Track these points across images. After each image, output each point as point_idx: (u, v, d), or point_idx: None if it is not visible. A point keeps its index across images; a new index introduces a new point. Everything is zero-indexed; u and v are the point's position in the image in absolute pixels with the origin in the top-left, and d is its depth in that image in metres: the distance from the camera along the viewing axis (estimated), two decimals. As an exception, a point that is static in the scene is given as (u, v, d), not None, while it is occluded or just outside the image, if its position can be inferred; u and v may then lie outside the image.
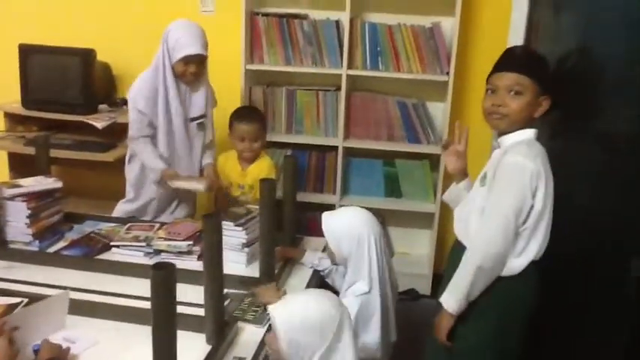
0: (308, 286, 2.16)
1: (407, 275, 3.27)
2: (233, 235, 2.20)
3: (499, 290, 1.81)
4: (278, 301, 1.57)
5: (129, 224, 2.48)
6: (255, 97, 3.45)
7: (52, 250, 2.30)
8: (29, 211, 2.23)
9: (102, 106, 3.38)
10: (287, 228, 2.42)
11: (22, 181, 2.31)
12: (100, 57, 3.37)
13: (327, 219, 2.01)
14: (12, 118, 3.47)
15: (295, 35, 3.34)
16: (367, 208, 2.08)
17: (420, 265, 3.53)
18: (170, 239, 2.29)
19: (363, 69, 3.33)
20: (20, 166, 3.32)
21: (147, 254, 2.26)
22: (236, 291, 2.01)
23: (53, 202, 2.35)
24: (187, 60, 2.58)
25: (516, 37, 3.02)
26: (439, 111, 3.40)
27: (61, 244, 2.34)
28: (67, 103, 3.31)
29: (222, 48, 3.37)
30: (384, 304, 1.96)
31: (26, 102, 3.38)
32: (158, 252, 2.27)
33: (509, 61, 1.87)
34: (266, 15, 3.36)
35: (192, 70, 2.61)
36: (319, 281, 2.23)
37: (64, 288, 1.88)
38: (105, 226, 2.50)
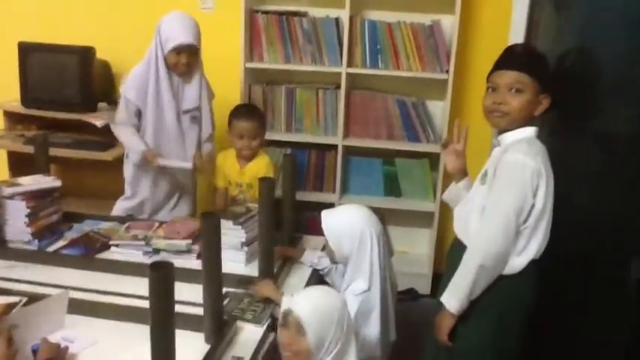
0: (307, 285, 2.15)
1: (406, 274, 3.26)
2: (232, 234, 2.20)
3: (500, 289, 1.81)
4: (293, 298, 1.62)
5: (128, 223, 2.47)
6: (254, 95, 3.45)
7: (51, 249, 2.29)
8: (28, 210, 2.22)
9: (101, 105, 3.37)
10: (286, 227, 2.42)
11: (21, 180, 2.31)
12: (100, 55, 3.37)
13: (327, 217, 2.00)
14: (11, 117, 3.47)
15: (295, 33, 3.34)
16: (368, 207, 2.08)
17: (420, 264, 3.53)
18: (169, 238, 2.29)
19: (362, 67, 3.32)
20: (19, 164, 3.32)
21: (146, 253, 2.26)
22: (235, 290, 2.01)
23: (52, 201, 2.35)
24: (179, 50, 2.60)
25: (517, 36, 3.02)
26: (439, 109, 3.39)
27: (60, 243, 2.34)
28: (66, 101, 3.31)
29: (221, 46, 3.38)
30: (383, 301, 1.95)
31: (25, 100, 3.38)
32: (157, 251, 2.27)
33: (510, 59, 1.87)
34: (265, 12, 3.35)
35: (184, 60, 2.62)
36: (318, 280, 2.23)
37: (63, 287, 1.88)
38: (104, 225, 2.49)
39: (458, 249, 1.89)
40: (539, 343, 2.17)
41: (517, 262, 1.80)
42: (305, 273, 2.26)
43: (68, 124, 3.36)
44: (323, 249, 2.26)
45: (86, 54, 3.29)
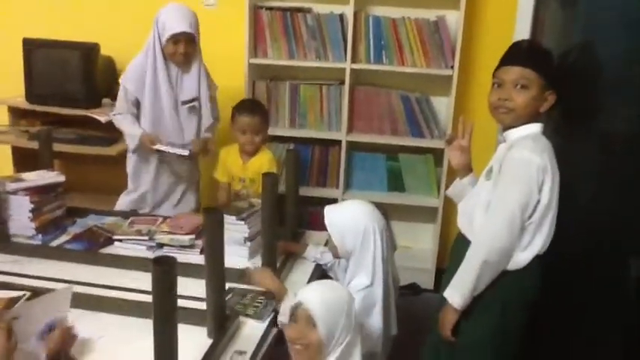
0: (310, 280, 2.15)
1: (409, 269, 3.27)
2: (235, 230, 2.20)
3: (504, 284, 1.81)
4: (301, 292, 1.65)
5: (131, 218, 2.48)
6: (258, 91, 3.45)
7: (54, 244, 2.30)
8: (32, 205, 2.23)
9: (105, 100, 3.38)
10: (289, 222, 2.42)
11: (25, 176, 2.31)
12: (104, 51, 3.37)
13: (330, 213, 2.00)
14: (15, 113, 3.48)
15: (299, 29, 3.33)
16: (372, 202, 2.07)
17: (423, 259, 3.53)
18: (172, 233, 2.29)
19: (366, 63, 3.32)
20: (24, 160, 3.32)
21: (149, 248, 2.27)
22: (238, 285, 2.01)
23: (56, 196, 2.35)
24: (175, 39, 2.62)
25: (522, 32, 3.00)
26: (443, 105, 3.39)
27: (64, 238, 2.34)
28: (70, 97, 3.32)
29: (225, 42, 3.38)
30: (385, 296, 1.95)
31: (30, 96, 3.38)
32: (161, 246, 2.27)
33: (516, 55, 1.86)
34: (269, 9, 3.35)
35: (181, 50, 2.64)
36: (321, 275, 2.23)
37: (67, 282, 1.89)
38: (107, 220, 2.50)
39: (461, 244, 1.89)
40: (538, 341, 2.17)
41: (521, 258, 1.80)
42: (308, 268, 2.26)
43: (72, 119, 3.37)
44: (326, 244, 2.26)
45: (90, 50, 3.29)
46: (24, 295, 1.77)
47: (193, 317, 1.74)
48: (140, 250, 2.26)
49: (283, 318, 1.77)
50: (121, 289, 1.95)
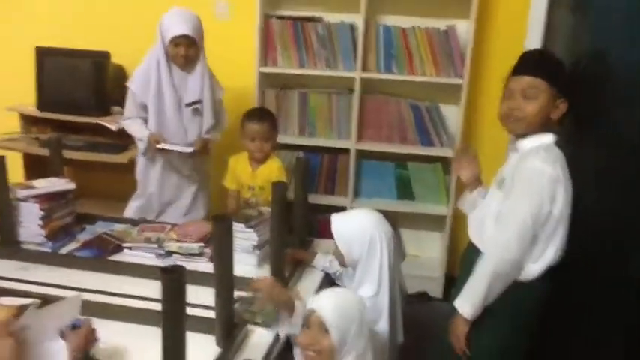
0: (319, 288, 2.15)
1: (418, 277, 3.26)
2: (244, 237, 2.20)
3: (515, 295, 1.80)
4: (314, 298, 1.68)
5: (140, 225, 2.49)
6: (268, 99, 3.46)
7: (64, 250, 2.31)
8: (42, 213, 2.24)
9: (115, 108, 3.40)
10: (297, 230, 2.42)
11: (36, 183, 2.33)
12: (115, 59, 3.40)
13: (337, 221, 2.00)
14: (27, 120, 3.50)
15: (309, 38, 3.34)
16: (379, 211, 2.07)
17: (432, 267, 3.51)
18: (181, 241, 2.29)
19: (376, 72, 3.32)
20: (34, 166, 3.35)
21: (158, 255, 2.27)
22: (246, 294, 2.01)
23: (66, 203, 2.37)
24: (176, 42, 2.66)
25: (533, 40, 3.00)
26: (453, 114, 3.38)
27: (74, 244, 2.35)
28: (80, 104, 3.34)
29: (236, 51, 3.40)
30: (392, 305, 1.94)
31: (41, 104, 3.41)
32: (169, 253, 2.28)
33: (525, 64, 1.86)
34: (280, 18, 3.36)
35: (182, 52, 2.67)
36: (330, 284, 2.22)
37: (76, 289, 1.90)
38: (117, 227, 2.51)
39: (472, 253, 1.88)
40: (537, 341, 2.15)
41: (533, 269, 1.79)
42: (316, 277, 2.25)
43: (83, 127, 3.39)
44: (333, 252, 2.26)
45: (101, 58, 3.32)
46: (33, 302, 1.77)
47: (201, 325, 1.74)
48: (149, 258, 2.26)
49: (296, 329, 1.76)
50: (130, 297, 1.95)
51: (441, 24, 3.27)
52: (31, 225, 2.25)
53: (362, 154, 3.47)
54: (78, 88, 3.35)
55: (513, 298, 1.80)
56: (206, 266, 2.17)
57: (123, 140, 3.23)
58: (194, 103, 2.78)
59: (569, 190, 1.78)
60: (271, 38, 3.37)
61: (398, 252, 2.03)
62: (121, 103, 3.18)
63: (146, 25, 2.82)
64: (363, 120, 3.41)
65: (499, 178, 1.91)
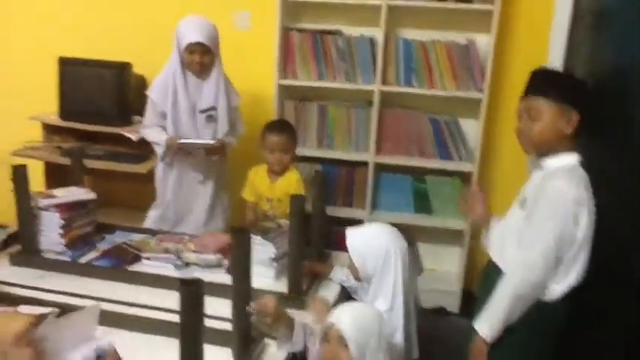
0: (336, 301, 2.14)
1: (435, 292, 3.24)
2: (262, 250, 2.20)
3: (537, 315, 1.78)
4: (333, 313, 1.69)
5: (159, 236, 2.50)
6: (287, 111, 3.47)
7: (83, 260, 2.32)
8: (62, 222, 2.26)
9: (136, 118, 3.43)
10: (315, 243, 2.41)
11: (57, 192, 2.35)
12: (136, 70, 3.43)
13: (352, 235, 2.00)
14: (49, 129, 3.55)
15: (329, 51, 3.35)
16: (396, 224, 2.06)
17: (449, 282, 3.48)
18: (199, 252, 2.30)
19: (396, 85, 3.32)
20: (55, 175, 3.38)
21: (176, 266, 2.28)
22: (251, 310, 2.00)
23: (86, 212, 2.39)
24: (191, 49, 2.70)
25: (555, 55, 2.97)
26: (472, 128, 3.36)
27: (93, 254, 2.37)
28: (102, 114, 3.38)
29: (256, 62, 3.42)
30: (406, 320, 1.93)
31: (63, 113, 3.45)
32: (187, 264, 2.28)
33: (529, 84, 1.88)
34: (300, 30, 3.38)
35: (197, 59, 2.71)
36: (347, 298, 2.21)
37: (95, 298, 1.91)
38: (136, 237, 2.52)
39: (493, 271, 1.86)
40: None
41: (556, 290, 1.78)
42: (333, 290, 2.24)
43: (103, 136, 3.42)
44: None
45: (122, 69, 3.36)
46: (52, 311, 1.78)
47: (218, 338, 1.73)
48: (167, 269, 2.27)
49: (297, 347, 1.76)
50: (147, 308, 1.96)
51: (461, 38, 3.27)
52: (51, 234, 2.28)
53: (380, 167, 3.46)
54: (99, 97, 3.39)
55: (535, 319, 1.78)
56: (223, 278, 2.17)
57: (143, 150, 3.25)
58: (208, 109, 2.81)
59: (592, 211, 1.76)
60: (291, 51, 3.39)
61: (414, 266, 2.02)
62: (142, 113, 3.22)
63: (167, 36, 2.84)
64: (382, 133, 3.40)
65: (521, 197, 1.89)
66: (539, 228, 1.74)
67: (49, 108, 3.51)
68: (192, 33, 2.69)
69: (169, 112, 2.79)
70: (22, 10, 3.82)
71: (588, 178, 1.79)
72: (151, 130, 2.87)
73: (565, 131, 1.79)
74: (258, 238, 2.19)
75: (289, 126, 2.94)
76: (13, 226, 2.38)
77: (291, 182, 2.79)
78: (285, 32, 3.37)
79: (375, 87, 3.28)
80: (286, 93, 3.48)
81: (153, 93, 2.83)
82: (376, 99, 3.28)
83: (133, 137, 3.22)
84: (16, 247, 2.34)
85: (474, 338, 1.84)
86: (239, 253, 1.68)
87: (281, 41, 3.33)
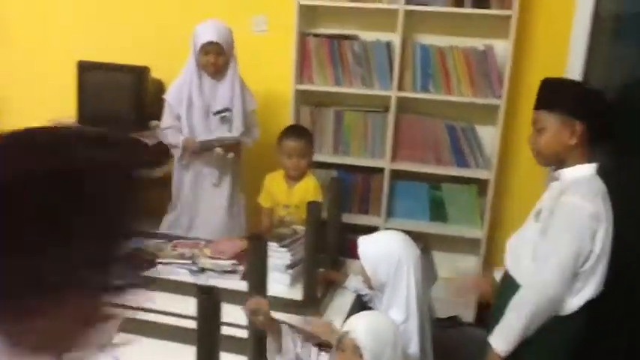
0: (351, 310, 2.12)
1: (450, 301, 3.20)
2: (277, 257, 2.20)
3: (552, 329, 1.76)
4: (348, 321, 1.70)
5: (174, 241, 2.50)
6: (303, 116, 3.46)
7: (99, 264, 2.32)
8: (79, 226, 2.26)
9: (153, 123, 3.44)
10: (330, 250, 2.41)
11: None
12: (154, 74, 3.45)
13: (364, 243, 1.99)
14: (67, 133, 3.56)
15: (345, 56, 3.35)
16: (411, 232, 2.05)
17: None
18: (214, 258, 2.30)
19: (412, 91, 3.30)
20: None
21: (192, 272, 2.28)
22: (278, 313, 1.99)
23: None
24: (206, 49, 2.74)
25: (575, 63, 2.94)
26: (489, 135, 3.34)
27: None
28: (119, 119, 3.39)
29: (272, 68, 3.42)
30: (421, 330, 1.91)
31: (81, 117, 3.47)
32: (203, 270, 2.28)
33: (536, 98, 1.87)
34: (317, 35, 3.37)
35: (211, 60, 2.75)
36: (361, 306, 2.20)
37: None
38: (151, 242, 2.52)
39: (510, 283, 1.84)
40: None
41: (572, 304, 1.76)
42: (348, 298, 2.23)
43: (121, 140, 3.43)
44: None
45: (140, 73, 3.37)
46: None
47: (233, 345, 1.73)
48: (183, 274, 2.27)
49: (288, 357, 1.73)
50: (162, 314, 1.96)
51: (478, 44, 3.25)
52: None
53: (396, 174, 3.44)
54: (117, 102, 3.41)
55: (551, 332, 1.75)
56: (238, 284, 2.16)
57: (160, 155, 3.26)
58: (222, 111, 2.83)
59: (610, 224, 1.74)
60: (307, 56, 3.39)
61: (427, 274, 2.00)
62: (159, 117, 3.24)
63: (185, 41, 2.86)
64: (398, 139, 3.39)
65: (537, 208, 1.87)
66: (555, 243, 1.72)
67: (68, 112, 3.53)
68: (206, 33, 2.73)
69: (184, 114, 2.82)
70: (42, 15, 3.85)
71: (606, 189, 1.76)
72: (168, 132, 2.90)
73: (569, 143, 1.78)
74: (274, 244, 2.18)
75: (306, 131, 2.94)
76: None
77: (309, 189, 2.78)
78: (302, 37, 3.36)
79: (392, 93, 3.26)
80: (302, 98, 3.47)
81: (169, 96, 2.87)
82: (392, 105, 3.27)
83: (150, 142, 3.23)
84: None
85: (488, 351, 1.82)
86: (255, 260, 1.68)
87: (298, 46, 3.33)
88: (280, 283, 2.19)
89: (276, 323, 1.73)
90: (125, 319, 1.72)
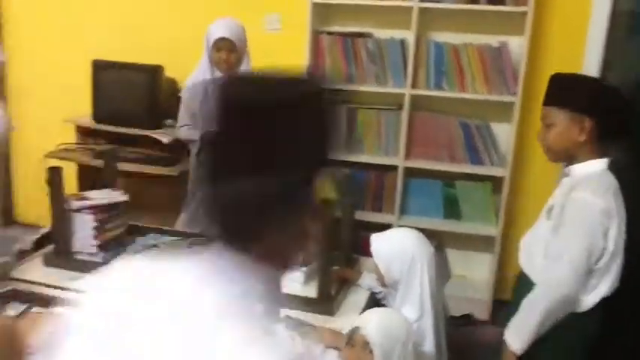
0: (364, 307, 2.12)
1: (464, 299, 3.19)
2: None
3: (567, 327, 1.75)
4: (359, 317, 1.71)
5: (191, 239, 2.51)
6: (316, 114, 3.46)
7: (115, 262, 2.35)
8: (95, 223, 2.29)
9: (168, 121, 3.46)
10: (344, 247, 2.40)
11: (90, 194, 2.38)
12: (168, 73, 3.47)
13: (376, 241, 1.99)
14: (82, 131, 3.60)
15: (359, 54, 3.34)
16: (425, 230, 2.04)
17: (479, 289, 3.44)
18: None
19: (426, 89, 3.29)
20: (87, 177, 3.43)
21: (206, 269, 2.28)
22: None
23: (118, 215, 2.41)
24: (218, 46, 2.75)
25: (592, 59, 2.91)
26: (503, 132, 3.31)
27: (124, 256, 2.39)
28: (134, 117, 3.42)
29: (286, 66, 3.41)
30: (436, 329, 1.91)
31: (96, 116, 3.50)
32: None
33: (545, 94, 1.86)
34: (330, 33, 3.37)
35: (223, 57, 2.76)
36: (375, 304, 2.20)
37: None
38: (167, 240, 2.54)
39: (524, 280, 1.83)
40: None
41: (588, 301, 1.74)
42: (362, 296, 2.23)
43: (135, 139, 3.46)
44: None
45: (154, 72, 3.40)
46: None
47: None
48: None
49: None
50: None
51: (493, 40, 3.22)
52: (84, 235, 2.30)
53: (409, 172, 3.43)
54: (132, 100, 3.44)
55: (567, 329, 1.75)
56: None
57: (174, 153, 3.28)
58: None
59: (622, 221, 1.72)
60: (321, 53, 3.38)
61: (441, 272, 1.99)
62: (173, 115, 3.26)
63: (199, 40, 2.87)
64: (412, 137, 3.38)
65: (548, 205, 1.86)
66: (567, 241, 1.71)
67: (83, 110, 3.56)
68: (218, 30, 2.75)
69: (198, 111, 2.84)
70: (57, 14, 3.88)
71: (618, 185, 1.75)
72: (184, 129, 2.92)
73: (579, 139, 1.76)
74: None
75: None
76: (45, 227, 2.42)
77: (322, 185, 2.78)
78: (316, 35, 3.36)
79: (406, 90, 3.25)
80: (316, 96, 3.47)
81: (185, 94, 2.90)
82: (406, 102, 3.26)
83: (165, 140, 3.26)
84: (49, 248, 2.37)
85: (504, 349, 1.81)
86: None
87: (311, 44, 3.32)
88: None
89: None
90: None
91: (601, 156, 1.78)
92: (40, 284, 2.10)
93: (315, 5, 3.29)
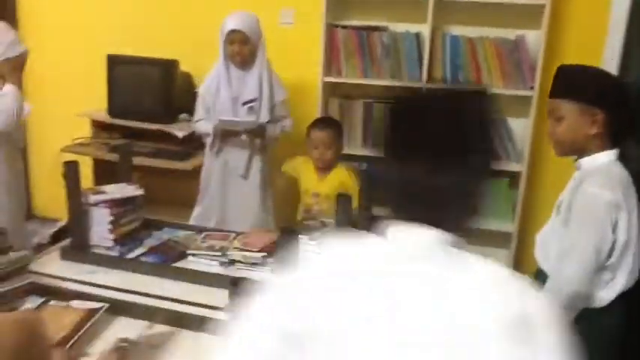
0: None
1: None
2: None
3: (583, 323, 1.72)
4: None
5: (204, 233, 2.51)
6: (331, 108, 3.45)
7: (131, 255, 2.35)
8: (111, 217, 2.29)
9: (182, 116, 3.46)
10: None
11: (106, 188, 2.38)
12: (183, 67, 3.46)
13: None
14: (97, 126, 3.62)
15: (374, 48, 3.32)
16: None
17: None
18: (244, 250, 2.30)
19: (442, 82, 3.26)
20: (102, 171, 3.44)
21: (222, 264, 2.28)
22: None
23: (134, 209, 2.41)
24: (231, 38, 2.75)
25: (612, 52, 2.86)
26: (520, 127, 3.28)
27: (140, 250, 2.39)
28: (149, 111, 3.42)
29: (300, 60, 3.41)
30: None
31: (111, 110, 3.51)
32: (232, 262, 2.28)
33: (551, 87, 1.83)
34: (345, 27, 3.35)
35: (236, 49, 2.76)
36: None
37: (142, 294, 1.93)
38: (182, 234, 2.54)
39: (541, 277, 1.82)
40: None
41: (603, 296, 1.72)
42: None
43: (150, 133, 3.47)
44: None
45: (170, 66, 3.40)
46: (102, 306, 1.81)
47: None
48: (213, 266, 2.27)
49: None
50: (193, 305, 1.96)
51: (509, 34, 3.19)
52: (100, 229, 2.30)
53: (425, 166, 3.40)
54: (147, 95, 3.44)
55: (586, 327, 1.71)
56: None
57: (188, 147, 3.28)
58: (250, 101, 2.84)
59: (633, 212, 1.69)
60: (336, 48, 3.37)
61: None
62: (188, 110, 3.27)
63: (214, 34, 2.87)
64: (428, 131, 3.34)
65: (559, 200, 1.84)
66: (576, 236, 1.69)
67: (98, 105, 3.57)
68: (230, 22, 2.75)
69: (212, 105, 2.85)
70: (72, 9, 3.90)
71: (628, 175, 1.72)
72: (200, 123, 2.94)
73: (590, 132, 1.73)
74: (304, 238, 2.17)
75: (335, 123, 2.94)
76: (62, 221, 2.43)
77: (343, 177, 2.79)
78: (330, 29, 3.34)
79: (421, 84, 3.22)
80: (330, 90, 3.46)
81: (202, 88, 2.91)
82: (422, 97, 3.22)
83: (179, 134, 3.26)
84: (65, 242, 2.38)
85: None
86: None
87: (326, 38, 3.31)
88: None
89: None
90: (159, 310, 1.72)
91: (611, 148, 1.75)
92: (57, 277, 2.10)
93: (330, -1, 3.27)
